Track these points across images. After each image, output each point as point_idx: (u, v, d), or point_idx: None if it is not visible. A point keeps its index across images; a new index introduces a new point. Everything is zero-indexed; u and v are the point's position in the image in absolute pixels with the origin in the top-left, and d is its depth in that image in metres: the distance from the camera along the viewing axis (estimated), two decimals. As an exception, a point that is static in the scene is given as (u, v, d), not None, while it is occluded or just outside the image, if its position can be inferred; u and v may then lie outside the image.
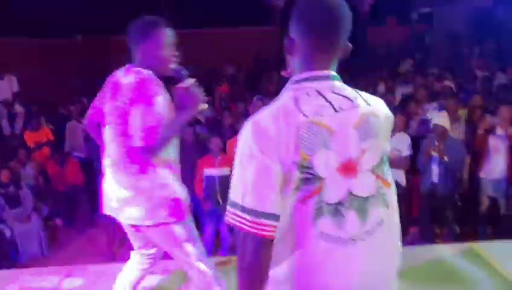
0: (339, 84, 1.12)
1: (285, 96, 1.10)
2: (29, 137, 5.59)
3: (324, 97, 1.07)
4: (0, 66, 6.63)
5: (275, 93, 5.92)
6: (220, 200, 4.21)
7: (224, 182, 4.21)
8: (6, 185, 4.58)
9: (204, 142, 4.62)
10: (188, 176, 4.33)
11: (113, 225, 4.55)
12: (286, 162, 1.01)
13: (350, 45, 1.15)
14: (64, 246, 4.95)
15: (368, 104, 1.12)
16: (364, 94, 1.16)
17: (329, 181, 1.04)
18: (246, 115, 5.33)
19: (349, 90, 1.12)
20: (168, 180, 1.76)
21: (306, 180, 1.02)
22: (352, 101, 1.10)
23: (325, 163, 1.03)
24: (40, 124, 5.70)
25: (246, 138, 1.04)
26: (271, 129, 1.02)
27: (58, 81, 8.92)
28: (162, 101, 1.67)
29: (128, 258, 2.06)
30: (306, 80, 1.10)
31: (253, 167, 1.01)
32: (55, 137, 5.77)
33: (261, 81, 7.35)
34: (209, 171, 4.24)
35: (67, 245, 4.96)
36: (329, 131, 1.04)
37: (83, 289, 2.74)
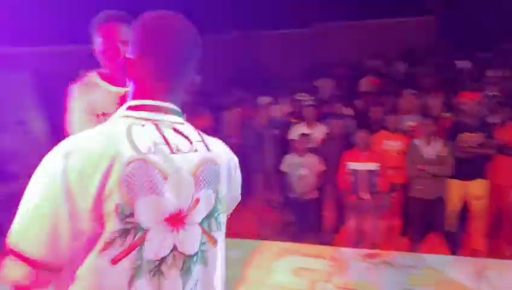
0: (181, 121, 0.98)
1: (116, 121, 0.92)
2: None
3: (162, 133, 0.92)
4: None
5: (427, 87, 5.57)
6: (364, 195, 4.21)
7: (369, 176, 4.20)
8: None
9: (351, 135, 4.65)
10: (333, 167, 4.46)
11: (261, 205, 4.98)
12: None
13: (198, 77, 1.03)
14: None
15: (208, 149, 1.00)
16: (206, 137, 1.04)
17: (153, 233, 0.86)
18: (395, 109, 5.16)
19: (190, 131, 0.99)
20: None
21: (123, 232, 0.83)
22: (192, 143, 0.96)
23: (151, 211, 0.86)
24: (201, 112, 6.44)
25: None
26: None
27: (218, 74, 9.97)
28: None
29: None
30: (143, 108, 0.93)
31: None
32: (215, 124, 6.46)
33: (413, 75, 6.96)
34: (353, 165, 4.26)
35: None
36: (162, 174, 0.88)
37: (239, 259, 3.09)
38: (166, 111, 0.95)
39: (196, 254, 0.95)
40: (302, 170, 4.60)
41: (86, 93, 1.70)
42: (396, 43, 9.18)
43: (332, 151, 4.53)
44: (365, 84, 6.94)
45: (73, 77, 5.80)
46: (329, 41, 11.59)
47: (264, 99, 4.82)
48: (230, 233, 3.68)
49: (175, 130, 0.95)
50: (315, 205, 4.71)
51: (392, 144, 4.42)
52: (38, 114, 4.98)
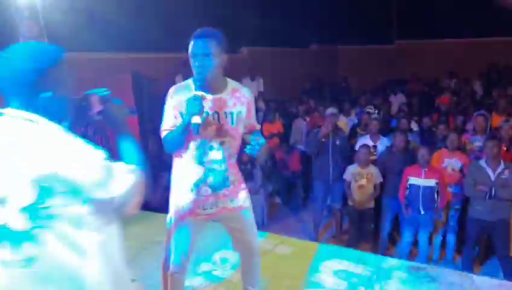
0: None
1: None
2: (265, 128, 6.88)
3: None
4: (253, 70, 8.25)
5: (506, 109, 5.42)
6: (421, 210, 4.32)
7: (428, 193, 4.30)
8: (245, 163, 5.86)
9: (414, 150, 4.76)
10: (392, 180, 4.62)
11: (320, 211, 5.27)
12: None
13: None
14: (279, 220, 5.97)
15: None
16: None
17: None
18: (463, 129, 5.15)
19: None
20: None
21: None
22: None
23: None
24: (274, 118, 6.89)
25: None
26: None
27: (292, 83, 10.41)
28: None
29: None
30: None
31: None
32: (285, 130, 6.88)
33: (490, 96, 6.76)
34: (413, 180, 4.36)
35: (282, 220, 5.95)
36: None
37: (290, 256, 3.37)
38: None
39: None
40: (362, 180, 4.82)
41: (178, 94, 2.01)
42: (476, 63, 8.87)
43: (393, 165, 4.69)
44: (438, 102, 6.89)
45: (166, 80, 6.58)
46: (408, 58, 11.45)
47: (331, 110, 5.10)
48: (286, 231, 4.05)
49: None
50: (372, 215, 4.90)
51: (452, 163, 4.47)
52: (134, 110, 5.79)
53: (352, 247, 4.29)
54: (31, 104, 1.16)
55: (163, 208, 4.74)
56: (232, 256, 3.23)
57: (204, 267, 3.12)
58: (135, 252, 3.48)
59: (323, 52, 12.43)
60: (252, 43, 9.93)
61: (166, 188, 5.54)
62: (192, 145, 2.00)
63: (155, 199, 5.51)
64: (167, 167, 5.83)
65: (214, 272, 3.10)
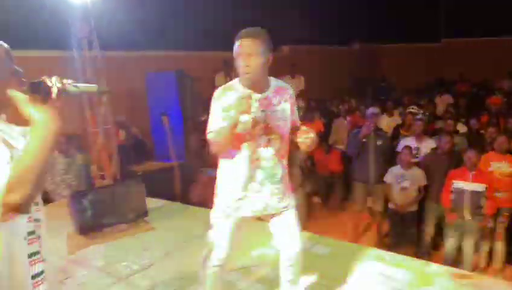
0: None
1: None
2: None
3: None
4: (294, 68, 8.22)
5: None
6: (467, 216, 4.14)
7: (474, 198, 4.11)
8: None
9: (459, 153, 4.57)
10: (436, 183, 4.46)
11: (360, 213, 5.18)
12: None
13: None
14: (317, 220, 5.92)
15: None
16: None
17: None
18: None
19: None
20: None
21: None
22: None
23: None
24: (314, 117, 6.84)
25: None
26: None
27: (333, 82, 10.28)
28: None
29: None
30: None
31: None
32: (324, 129, 6.81)
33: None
34: (459, 184, 4.19)
35: (320, 220, 5.90)
36: None
37: (328, 256, 3.35)
38: None
39: None
40: (404, 182, 4.69)
41: (224, 95, 2.05)
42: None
43: (438, 167, 4.53)
44: (487, 103, 6.56)
45: (207, 78, 6.71)
46: (456, 58, 10.99)
47: (372, 109, 4.99)
48: (324, 231, 4.00)
49: None
50: (414, 218, 4.75)
51: (500, 166, 4.25)
52: (178, 108, 5.95)
53: (393, 251, 4.19)
54: None
55: (203, 203, 4.86)
56: (271, 253, 3.25)
57: (243, 262, 3.16)
58: (175, 244, 3.59)
59: (366, 50, 12.18)
60: (293, 41, 9.92)
61: (206, 184, 5.67)
62: (240, 143, 2.03)
63: (195, 194, 5.64)
64: (207, 164, 5.96)
65: (253, 268, 3.13)
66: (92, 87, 1.44)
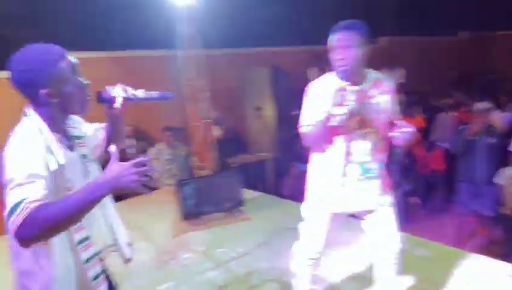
0: None
1: None
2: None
3: None
4: (392, 60, 7.83)
5: None
6: None
7: None
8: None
9: None
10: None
11: (465, 216, 4.77)
12: None
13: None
14: (416, 221, 5.60)
15: None
16: None
17: None
18: None
19: None
20: None
21: None
22: None
23: None
24: (414, 112, 6.44)
25: None
26: None
27: (435, 75, 9.55)
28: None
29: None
30: None
31: None
32: (426, 125, 6.37)
33: None
34: None
35: (420, 221, 5.56)
36: None
37: (429, 260, 3.15)
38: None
39: None
40: (521, 185, 4.20)
41: (319, 88, 2.04)
42: None
43: None
44: None
45: (300, 73, 6.75)
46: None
47: (483, 104, 4.53)
48: (424, 233, 3.77)
49: None
50: (531, 226, 4.23)
51: None
52: (271, 103, 6.07)
53: (506, 260, 3.79)
54: None
55: (294, 196, 4.90)
56: (362, 251, 3.17)
57: (334, 258, 3.13)
58: (268, 235, 3.68)
59: (475, 39, 11.05)
60: (391, 33, 9.44)
61: (297, 177, 5.72)
62: (334, 137, 2.01)
63: (286, 187, 5.73)
64: (298, 158, 5.99)
65: (344, 266, 3.09)
66: (154, 94, 1.60)
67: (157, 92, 1.61)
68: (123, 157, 1.23)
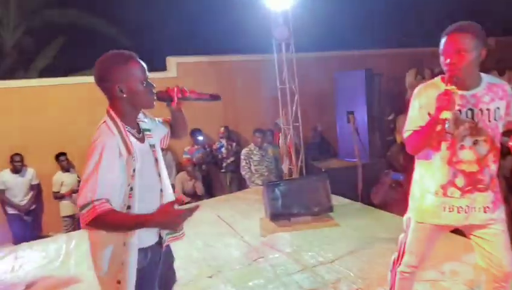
0: None
1: None
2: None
3: None
4: (502, 62, 7.11)
5: None
6: None
7: None
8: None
9: None
10: None
11: None
12: None
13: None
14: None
15: None
16: None
17: None
18: None
19: None
20: None
21: None
22: None
23: None
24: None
25: None
26: None
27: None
28: None
29: None
30: None
31: None
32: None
33: None
34: None
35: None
36: None
37: None
38: None
39: None
40: None
41: (425, 93, 1.93)
42: None
43: None
44: None
45: (395, 76, 6.46)
46: None
47: None
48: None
49: None
50: None
51: None
52: (365, 107, 5.91)
53: None
54: None
55: (385, 206, 4.70)
56: (464, 270, 2.94)
57: (431, 275, 2.95)
58: (357, 244, 3.60)
59: None
60: (501, 33, 8.60)
61: (390, 187, 5.47)
62: (441, 143, 1.91)
63: (377, 196, 5.52)
64: (391, 165, 5.72)
65: (442, 283, 2.90)
66: (205, 96, 1.89)
67: (208, 94, 1.90)
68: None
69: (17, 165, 5.43)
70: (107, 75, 1.60)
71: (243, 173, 5.97)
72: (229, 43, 7.72)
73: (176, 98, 1.80)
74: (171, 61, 6.79)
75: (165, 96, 1.80)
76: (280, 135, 6.20)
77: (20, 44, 9.20)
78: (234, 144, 6.61)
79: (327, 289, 2.90)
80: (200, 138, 6.52)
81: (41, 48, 9.22)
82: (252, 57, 7.12)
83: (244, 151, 6.00)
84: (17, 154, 5.43)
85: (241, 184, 6.33)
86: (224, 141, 6.58)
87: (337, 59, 7.24)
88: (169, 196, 1.79)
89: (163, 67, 6.80)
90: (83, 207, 1.49)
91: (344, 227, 4.03)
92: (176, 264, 1.96)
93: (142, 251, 1.63)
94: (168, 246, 1.82)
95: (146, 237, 1.65)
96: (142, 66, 1.66)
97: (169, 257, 1.88)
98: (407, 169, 5.60)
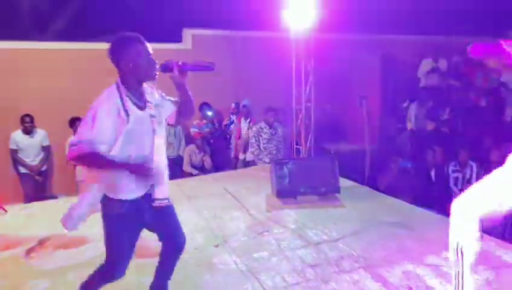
0: None
1: None
2: None
3: None
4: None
5: None
6: None
7: None
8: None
9: None
10: None
11: None
12: None
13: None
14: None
15: None
16: None
17: None
18: None
19: None
20: None
21: None
22: None
23: None
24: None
25: None
26: None
27: None
28: None
29: None
30: None
31: None
32: None
33: None
34: None
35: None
36: None
37: None
38: None
39: None
40: None
41: None
42: None
43: None
44: None
45: (412, 62, 6.32)
46: None
47: None
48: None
49: None
50: None
51: None
52: (379, 92, 5.88)
53: None
54: None
55: (391, 191, 4.74)
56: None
57: (433, 260, 3.01)
58: (362, 225, 3.66)
59: None
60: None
61: (397, 174, 5.49)
62: None
63: (384, 182, 5.56)
64: (399, 152, 5.73)
65: (443, 268, 2.95)
66: (202, 63, 2.12)
67: (203, 65, 2.13)
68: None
69: (27, 126, 5.50)
70: (117, 53, 1.95)
71: (251, 149, 6.01)
72: (245, 19, 7.63)
73: (175, 66, 2.04)
74: (187, 33, 6.77)
75: (166, 67, 2.05)
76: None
77: (36, 5, 9.15)
78: (248, 120, 6.54)
79: (330, 265, 2.97)
80: (209, 113, 6.53)
81: (57, 11, 9.17)
82: (267, 34, 7.07)
83: (254, 128, 6.02)
84: (27, 115, 5.50)
85: (248, 161, 6.38)
86: (234, 118, 6.60)
87: (357, 42, 7.15)
88: (161, 165, 2.06)
89: (179, 39, 6.78)
90: (71, 145, 1.86)
91: (349, 208, 4.09)
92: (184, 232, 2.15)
93: (119, 202, 1.99)
94: (163, 208, 2.10)
95: (126, 192, 2.00)
96: (146, 46, 1.99)
97: (166, 217, 2.17)
98: (415, 157, 5.63)
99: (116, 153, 1.89)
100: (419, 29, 7.28)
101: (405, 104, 5.80)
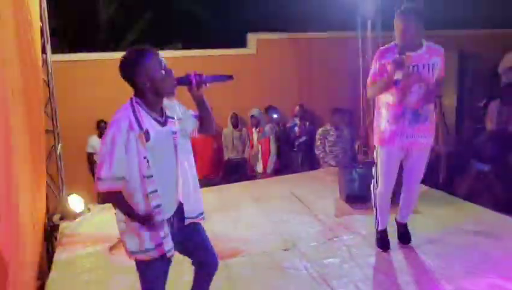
0: None
1: None
2: None
3: None
4: None
5: None
6: None
7: None
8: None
9: None
10: None
11: None
12: None
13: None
14: None
15: None
16: None
17: None
18: None
19: None
20: None
21: None
22: None
23: None
24: None
25: None
26: None
27: None
28: None
29: None
30: None
31: None
32: None
33: None
34: None
35: None
36: None
37: None
38: None
39: None
40: None
41: None
42: None
43: None
44: None
45: (492, 58, 5.91)
46: None
47: None
48: None
49: None
50: None
51: None
52: (454, 90, 5.51)
53: None
54: None
55: (469, 197, 4.41)
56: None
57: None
58: (439, 233, 3.45)
59: None
60: None
61: (475, 178, 5.11)
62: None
63: (462, 186, 5.19)
64: (478, 155, 5.33)
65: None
66: (219, 77, 1.97)
67: (221, 75, 1.98)
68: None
69: (102, 131, 5.90)
70: (129, 73, 1.83)
71: (317, 152, 5.93)
72: (310, 20, 7.57)
73: (193, 80, 1.89)
74: (252, 38, 6.84)
75: (183, 80, 1.90)
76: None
77: (112, 18, 9.82)
78: (307, 123, 6.55)
79: (404, 274, 2.83)
80: (275, 115, 6.58)
81: (131, 23, 9.77)
82: (332, 34, 6.94)
83: (320, 130, 5.94)
84: (102, 120, 5.90)
85: (312, 164, 6.31)
86: (297, 120, 6.56)
87: (428, 39, 6.77)
88: (188, 181, 1.97)
89: (243, 44, 6.88)
90: (96, 179, 1.82)
91: (425, 215, 3.86)
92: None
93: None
94: (193, 225, 2.03)
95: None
96: (158, 58, 1.84)
97: (193, 235, 2.06)
98: (495, 159, 5.19)
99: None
100: (500, 22, 6.76)
101: (482, 103, 5.38)
